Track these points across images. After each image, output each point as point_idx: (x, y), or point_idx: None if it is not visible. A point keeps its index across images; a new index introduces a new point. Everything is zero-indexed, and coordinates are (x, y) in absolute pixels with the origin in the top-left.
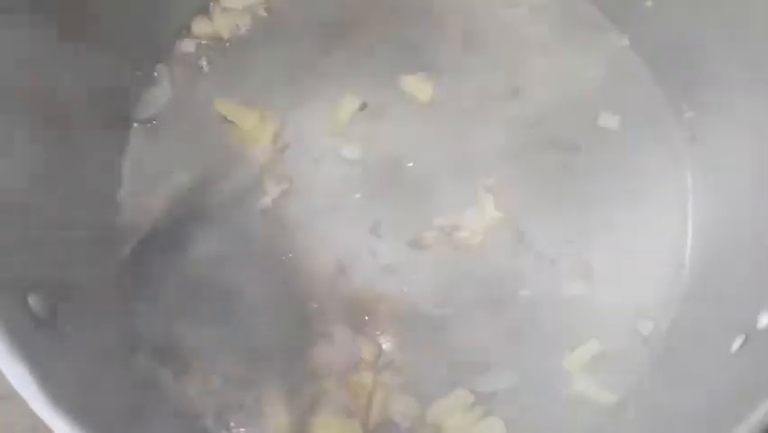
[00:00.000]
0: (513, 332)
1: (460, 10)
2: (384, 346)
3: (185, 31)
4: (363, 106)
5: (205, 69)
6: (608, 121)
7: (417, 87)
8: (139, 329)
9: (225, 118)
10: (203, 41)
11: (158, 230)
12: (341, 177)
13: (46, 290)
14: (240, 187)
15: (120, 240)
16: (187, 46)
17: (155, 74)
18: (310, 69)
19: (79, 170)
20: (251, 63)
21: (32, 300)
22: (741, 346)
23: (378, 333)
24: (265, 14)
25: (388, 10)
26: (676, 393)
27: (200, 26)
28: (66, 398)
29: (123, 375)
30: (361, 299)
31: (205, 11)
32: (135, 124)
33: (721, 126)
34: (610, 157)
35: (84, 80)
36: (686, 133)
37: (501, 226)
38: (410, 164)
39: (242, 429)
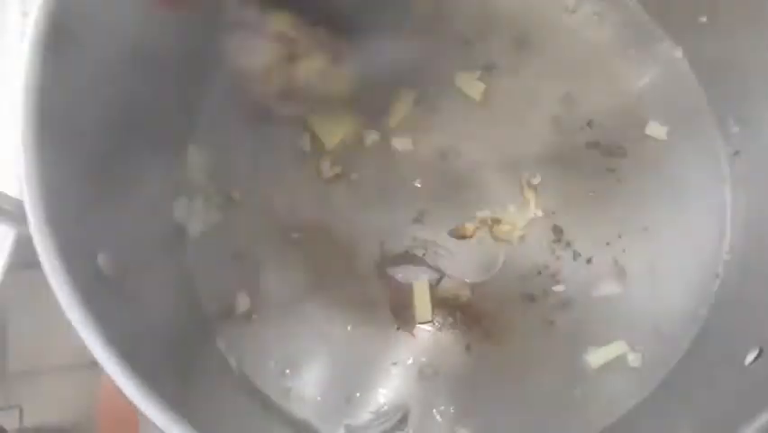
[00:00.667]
0: (544, 324)
1: (518, 12)
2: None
3: None
4: (418, 100)
5: None
6: (656, 130)
7: (471, 84)
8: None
9: None
10: None
11: None
12: (390, 166)
13: (114, 250)
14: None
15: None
16: None
17: None
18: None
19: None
20: None
21: (101, 260)
22: (755, 360)
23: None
24: None
25: (449, 8)
26: (690, 401)
27: None
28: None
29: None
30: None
31: None
32: None
33: (765, 143)
34: (654, 165)
35: None
36: (730, 147)
37: (542, 224)
38: (458, 158)
39: None
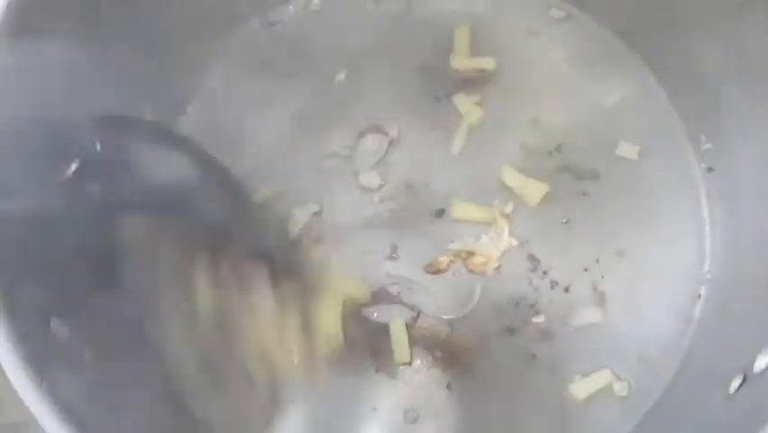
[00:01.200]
0: (526, 357)
1: (479, 38)
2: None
3: None
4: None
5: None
6: (627, 151)
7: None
8: None
9: None
10: None
11: None
12: (358, 202)
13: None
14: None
15: None
16: None
17: None
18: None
19: None
20: None
21: (55, 324)
22: (739, 387)
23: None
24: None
25: (407, 38)
26: (678, 430)
27: None
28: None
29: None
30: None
31: None
32: None
33: (738, 158)
34: (628, 186)
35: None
36: (704, 164)
37: (517, 253)
38: (427, 190)
39: None
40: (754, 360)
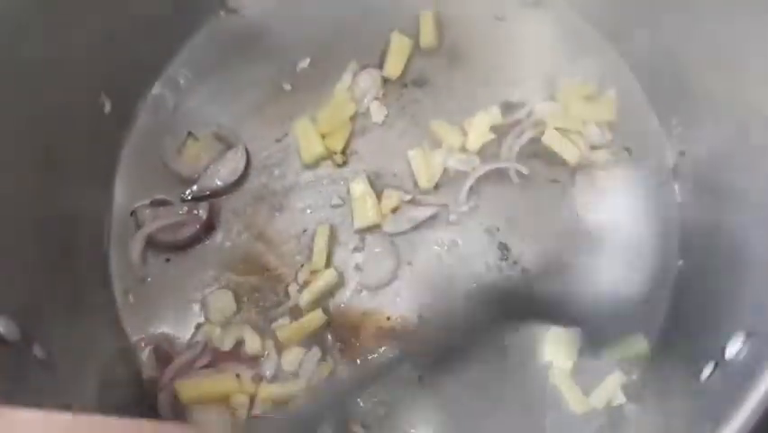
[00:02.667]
0: (497, 346)
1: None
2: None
3: None
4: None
5: None
6: (599, 136)
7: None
8: None
9: None
10: None
11: None
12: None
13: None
14: None
15: None
16: None
17: None
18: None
19: None
20: None
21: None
22: (710, 375)
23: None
24: None
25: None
26: (646, 415)
27: None
28: None
29: None
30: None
31: None
32: None
33: (708, 142)
34: (599, 172)
35: None
36: (675, 148)
37: (487, 242)
38: (394, 176)
39: None
40: (725, 347)
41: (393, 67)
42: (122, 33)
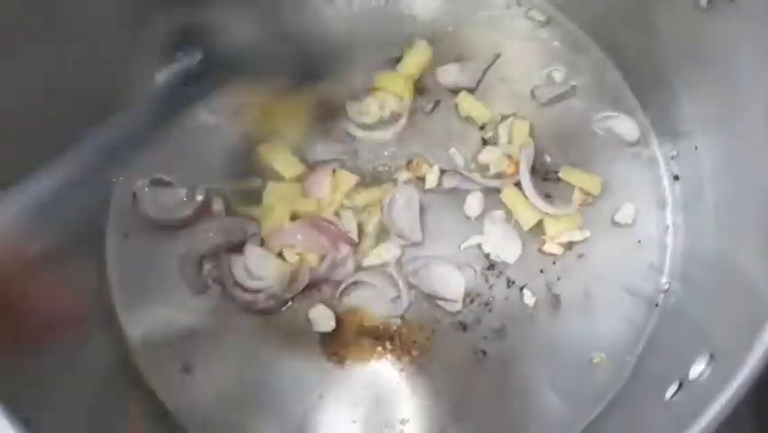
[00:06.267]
0: (477, 353)
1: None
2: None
3: None
4: None
5: None
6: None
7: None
8: None
9: None
10: None
11: None
12: None
13: None
14: None
15: None
16: None
17: None
18: None
19: None
20: None
21: None
22: (675, 393)
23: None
24: None
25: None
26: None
27: None
28: None
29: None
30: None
31: None
32: None
33: (703, 168)
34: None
35: None
36: (670, 172)
37: (474, 251)
38: None
39: None
40: (689, 368)
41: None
42: None
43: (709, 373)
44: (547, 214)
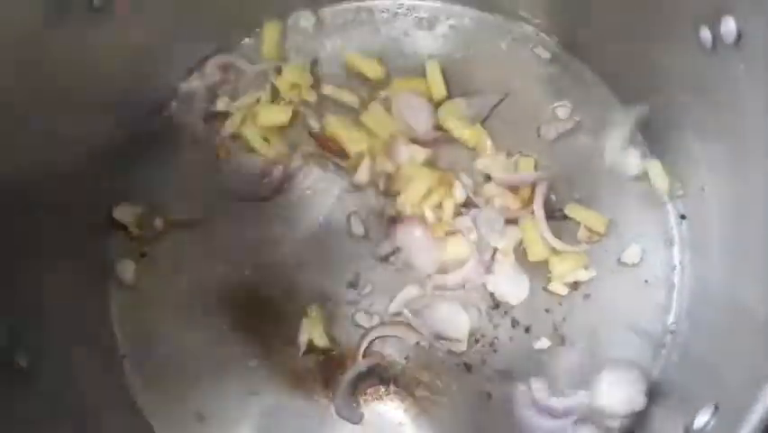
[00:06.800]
0: (481, 395)
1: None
2: None
3: None
4: None
5: None
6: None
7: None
8: None
9: None
10: None
11: None
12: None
13: None
14: None
15: None
16: None
17: None
18: None
19: None
20: None
21: None
22: None
23: None
24: None
25: None
26: None
27: None
28: None
29: None
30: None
31: None
32: None
33: (709, 208)
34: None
35: None
36: (677, 211)
37: (480, 290)
38: None
39: None
40: (695, 417)
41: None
42: None
43: (714, 424)
44: (557, 251)
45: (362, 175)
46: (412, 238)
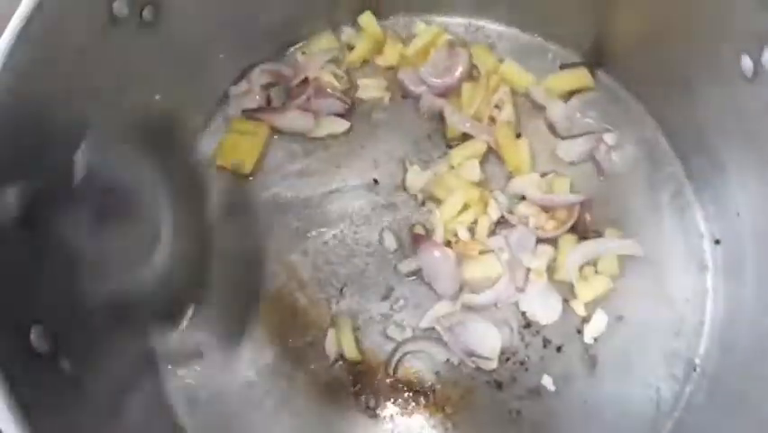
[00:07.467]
0: (511, 413)
1: None
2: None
3: None
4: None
5: None
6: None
7: None
8: None
9: None
10: None
11: None
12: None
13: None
14: None
15: None
16: None
17: None
18: None
19: None
20: None
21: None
22: None
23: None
24: None
25: None
26: None
27: None
28: None
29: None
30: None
31: None
32: None
33: (744, 233)
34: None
35: None
36: (711, 235)
37: (512, 308)
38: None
39: None
40: None
41: None
42: None
43: None
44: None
45: None
46: (433, 260)
